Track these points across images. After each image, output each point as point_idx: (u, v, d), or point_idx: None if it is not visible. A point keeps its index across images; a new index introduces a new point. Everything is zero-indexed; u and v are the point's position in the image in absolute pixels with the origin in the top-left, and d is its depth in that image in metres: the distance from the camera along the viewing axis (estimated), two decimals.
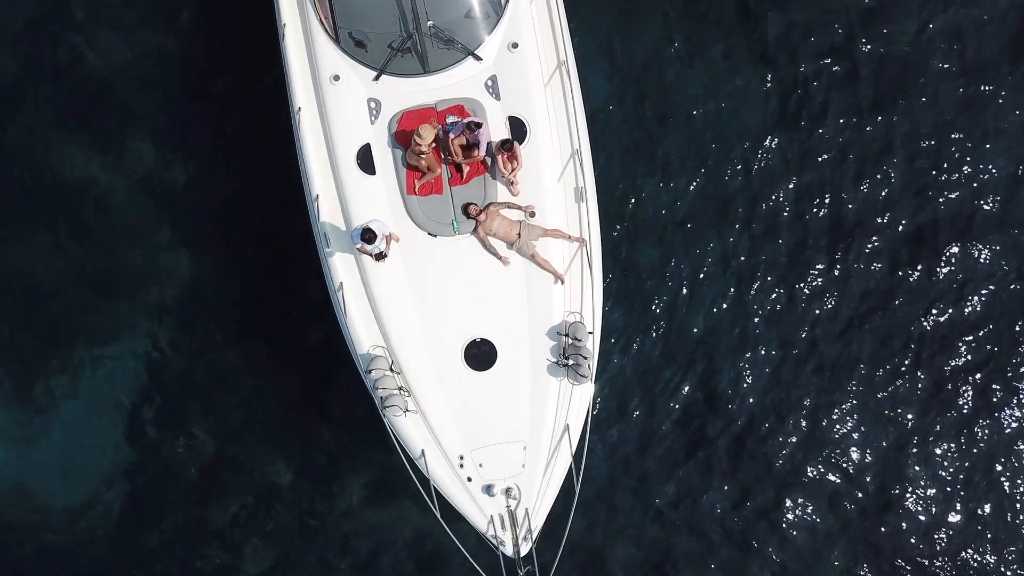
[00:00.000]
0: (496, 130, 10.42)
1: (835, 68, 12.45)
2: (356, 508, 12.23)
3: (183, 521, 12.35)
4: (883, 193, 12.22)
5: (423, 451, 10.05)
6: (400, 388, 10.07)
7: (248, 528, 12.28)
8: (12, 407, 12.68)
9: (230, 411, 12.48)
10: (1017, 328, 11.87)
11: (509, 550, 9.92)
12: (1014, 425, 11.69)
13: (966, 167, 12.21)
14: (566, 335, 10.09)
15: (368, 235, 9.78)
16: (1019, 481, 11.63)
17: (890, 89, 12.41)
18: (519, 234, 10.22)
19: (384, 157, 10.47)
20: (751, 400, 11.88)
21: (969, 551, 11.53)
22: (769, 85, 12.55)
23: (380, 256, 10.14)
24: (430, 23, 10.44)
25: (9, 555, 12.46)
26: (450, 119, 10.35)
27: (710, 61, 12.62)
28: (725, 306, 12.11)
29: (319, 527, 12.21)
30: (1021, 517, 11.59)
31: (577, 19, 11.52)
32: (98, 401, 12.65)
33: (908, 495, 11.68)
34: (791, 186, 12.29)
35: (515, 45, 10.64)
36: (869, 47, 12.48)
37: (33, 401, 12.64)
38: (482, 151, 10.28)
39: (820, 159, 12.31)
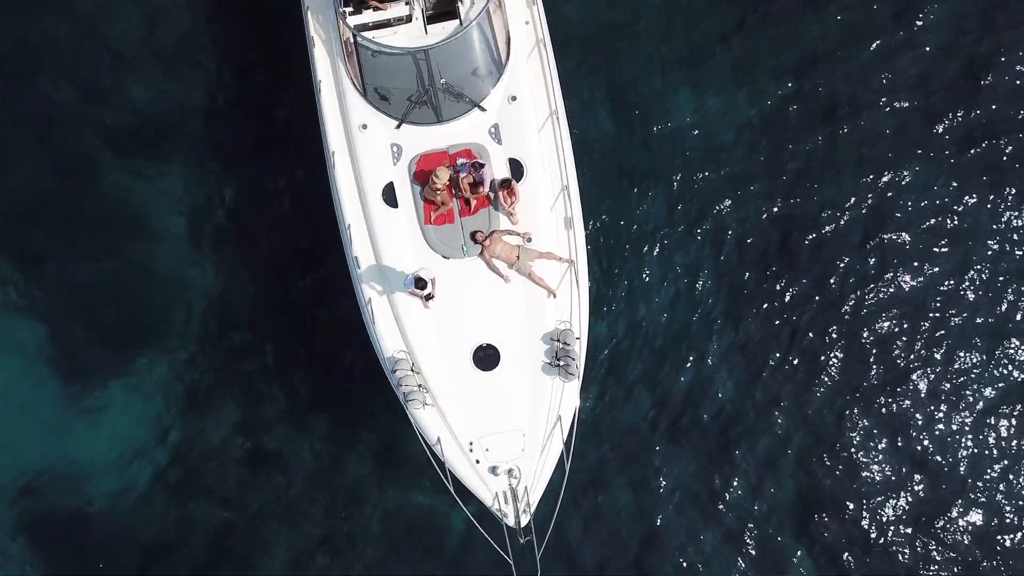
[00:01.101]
0: (498, 170, 12.40)
1: (801, 97, 14.61)
2: (373, 491, 13.94)
3: (218, 499, 14.04)
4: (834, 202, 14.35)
5: (439, 438, 11.90)
6: (419, 386, 11.91)
7: (277, 507, 13.98)
8: (72, 399, 14.45)
9: (265, 405, 14.26)
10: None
11: (511, 521, 11.64)
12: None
13: (911, 178, 14.27)
14: (558, 340, 11.98)
15: (420, 283, 11.67)
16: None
17: (842, 106, 14.59)
18: (518, 256, 12.17)
19: (405, 193, 12.46)
20: (719, 391, 13.85)
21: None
22: (738, 112, 14.63)
23: (429, 297, 12.00)
24: (443, 80, 12.46)
25: (58, 530, 14.18)
26: (460, 161, 12.35)
27: (682, 98, 14.69)
28: (698, 311, 14.07)
29: (341, 509, 13.90)
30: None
31: (565, 73, 13.58)
32: (147, 392, 14.43)
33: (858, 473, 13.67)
34: (759, 203, 14.33)
35: (514, 98, 12.65)
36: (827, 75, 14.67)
37: (89, 394, 14.42)
38: (486, 187, 12.27)
39: (785, 179, 14.42)
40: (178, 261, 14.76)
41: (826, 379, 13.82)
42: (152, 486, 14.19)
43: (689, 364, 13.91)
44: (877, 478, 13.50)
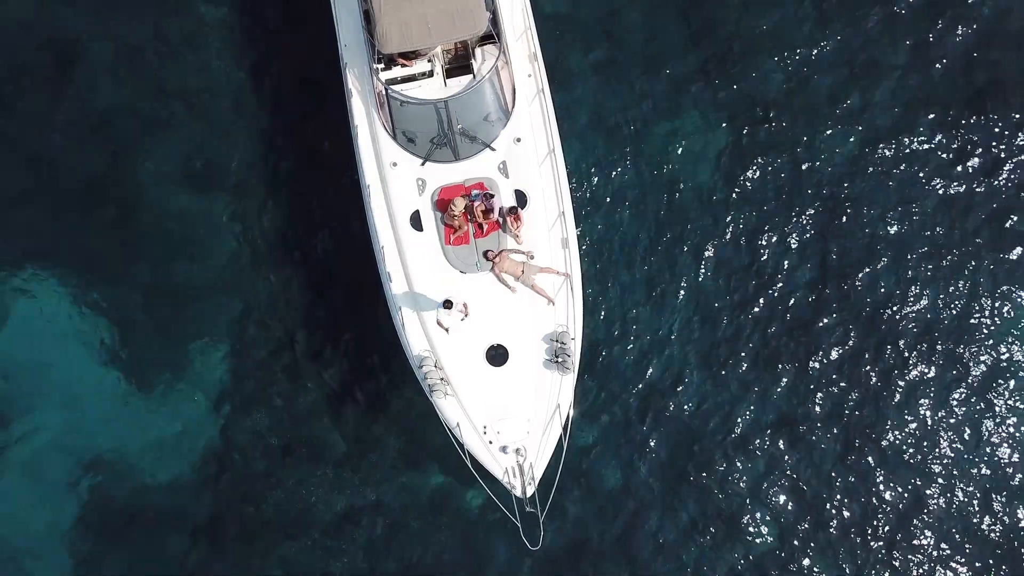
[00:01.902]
0: (506, 199, 14.77)
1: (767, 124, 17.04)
2: (398, 471, 16.10)
3: (261, 475, 16.24)
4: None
5: (458, 423, 14.19)
6: (441, 379, 14.23)
7: (310, 486, 16.22)
8: (132, 389, 16.72)
9: (302, 396, 16.50)
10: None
11: (519, 492, 13.90)
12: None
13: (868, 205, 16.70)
14: (556, 341, 14.33)
15: (447, 304, 14.00)
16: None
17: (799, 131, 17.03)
18: (523, 271, 14.56)
19: (428, 219, 14.87)
20: (695, 383, 16.19)
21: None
22: (716, 139, 17.00)
23: (463, 315, 14.29)
24: (459, 126, 14.89)
25: (116, 502, 16.34)
26: (474, 192, 14.76)
27: (664, 130, 17.06)
28: (679, 315, 16.39)
29: (370, 487, 16.11)
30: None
31: (561, 109, 16.05)
32: (199, 382, 16.70)
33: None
34: (734, 221, 16.71)
35: (519, 139, 15.09)
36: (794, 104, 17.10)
37: (147, 385, 16.71)
38: (496, 214, 14.68)
39: (757, 198, 16.84)
40: (226, 271, 17.09)
41: (791, 370, 16.25)
42: (202, 462, 16.43)
43: (674, 361, 16.19)
44: (841, 460, 15.84)
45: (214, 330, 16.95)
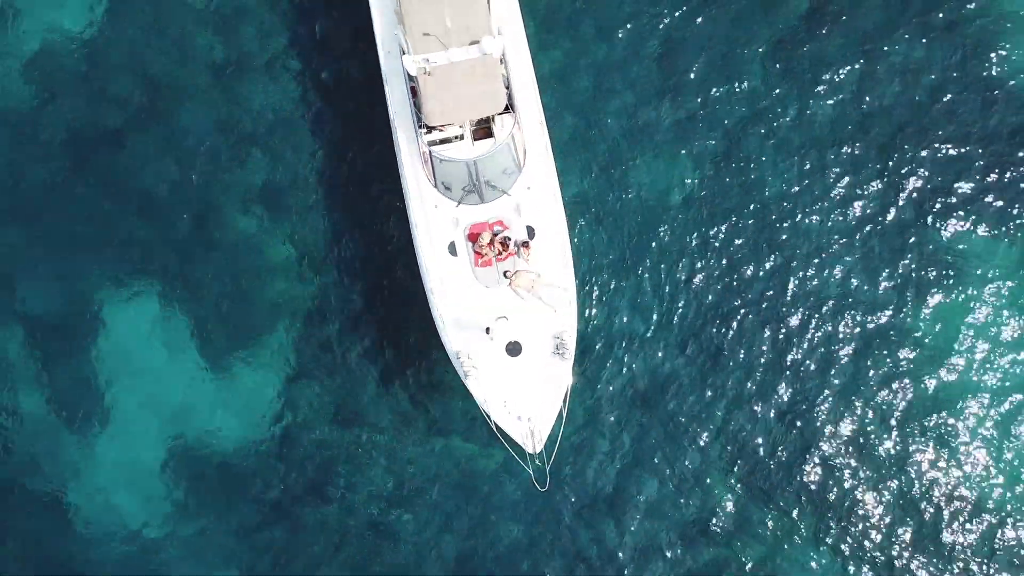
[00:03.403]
0: (519, 233, 19.66)
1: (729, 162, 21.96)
2: (433, 438, 20.62)
3: (316, 443, 20.76)
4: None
5: (485, 399, 19.16)
6: (473, 366, 19.16)
7: (363, 448, 20.81)
8: (211, 371, 21.12)
9: (357, 383, 21.03)
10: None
11: (531, 449, 18.86)
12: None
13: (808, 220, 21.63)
14: (557, 337, 19.26)
15: (487, 330, 18.79)
16: None
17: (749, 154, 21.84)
18: (532, 286, 19.52)
19: (462, 247, 19.65)
20: (670, 367, 21.33)
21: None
22: (683, 175, 21.79)
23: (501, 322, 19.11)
24: (484, 178, 19.70)
25: (195, 461, 20.83)
26: (496, 228, 19.71)
27: (641, 171, 21.87)
28: (653, 319, 21.34)
29: (412, 449, 20.72)
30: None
31: (562, 161, 21.08)
32: (267, 367, 21.03)
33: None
34: (705, 250, 21.76)
35: (529, 187, 19.98)
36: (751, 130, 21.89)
37: (224, 368, 21.10)
38: (512, 244, 19.71)
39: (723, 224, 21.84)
40: (289, 278, 21.28)
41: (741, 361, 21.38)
42: (269, 433, 20.84)
43: (649, 355, 21.08)
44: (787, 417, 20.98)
45: (278, 325, 21.23)
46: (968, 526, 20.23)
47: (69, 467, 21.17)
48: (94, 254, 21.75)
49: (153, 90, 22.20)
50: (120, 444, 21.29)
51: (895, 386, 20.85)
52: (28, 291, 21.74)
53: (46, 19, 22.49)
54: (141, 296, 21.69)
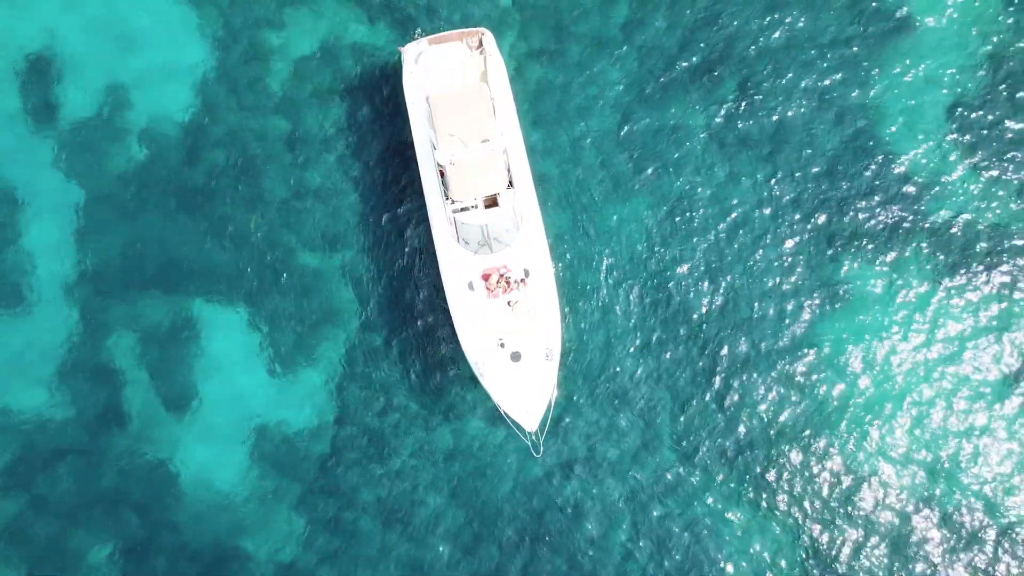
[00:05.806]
0: (519, 273, 27.46)
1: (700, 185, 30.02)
2: (449, 422, 28.41)
3: (360, 427, 28.85)
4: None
5: (495, 392, 26.96)
6: (487, 369, 26.76)
7: (398, 430, 28.69)
8: (281, 371, 29.12)
9: (393, 381, 28.81)
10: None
11: (529, 428, 26.75)
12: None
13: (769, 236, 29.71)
14: (547, 347, 27.04)
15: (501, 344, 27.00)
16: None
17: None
18: (528, 311, 27.43)
19: (478, 284, 27.24)
20: (638, 368, 29.28)
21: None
22: (643, 218, 29.85)
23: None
24: (493, 236, 27.58)
25: (266, 445, 28.46)
26: (501, 270, 27.66)
27: (610, 217, 29.93)
28: (626, 323, 29.31)
29: (434, 430, 28.56)
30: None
31: (548, 218, 29.12)
32: (321, 366, 28.66)
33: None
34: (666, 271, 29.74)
35: (525, 241, 27.92)
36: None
37: (286, 365, 28.88)
38: (514, 281, 27.59)
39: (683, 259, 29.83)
40: (342, 305, 29.15)
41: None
42: (322, 415, 28.39)
43: (623, 362, 29.10)
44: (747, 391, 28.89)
45: (332, 336, 28.79)
46: (849, 507, 28.16)
47: (169, 443, 28.34)
48: (195, 280, 28.98)
49: (241, 157, 30.24)
50: (208, 427, 28.85)
51: (783, 393, 28.82)
52: (145, 307, 28.92)
53: (159, 106, 30.52)
54: (229, 314, 29.38)
